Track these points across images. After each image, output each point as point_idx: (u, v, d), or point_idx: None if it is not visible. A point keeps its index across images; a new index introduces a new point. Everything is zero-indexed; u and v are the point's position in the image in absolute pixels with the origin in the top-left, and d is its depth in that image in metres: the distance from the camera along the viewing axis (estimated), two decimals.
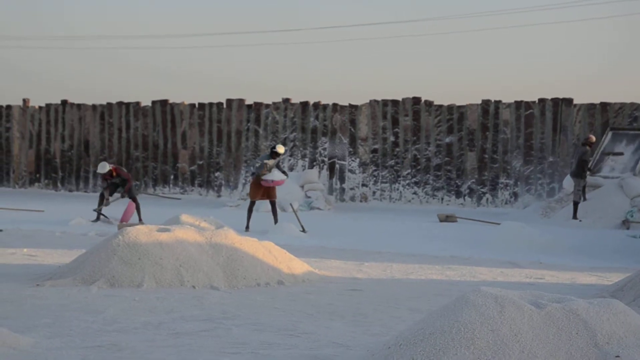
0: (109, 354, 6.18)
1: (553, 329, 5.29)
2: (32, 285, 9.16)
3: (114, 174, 17.12)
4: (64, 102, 27.52)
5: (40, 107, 27.87)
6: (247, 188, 22.53)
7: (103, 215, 17.10)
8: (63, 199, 24.17)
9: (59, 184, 27.44)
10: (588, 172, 18.82)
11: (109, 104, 26.95)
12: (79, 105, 27.31)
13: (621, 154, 20.24)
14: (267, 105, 25.17)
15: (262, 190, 16.35)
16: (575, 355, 5.16)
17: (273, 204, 16.48)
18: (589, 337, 5.25)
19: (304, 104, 24.73)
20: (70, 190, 27.11)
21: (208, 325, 7.29)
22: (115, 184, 17.20)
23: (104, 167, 17.06)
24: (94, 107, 27.11)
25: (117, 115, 26.78)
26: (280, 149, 16.34)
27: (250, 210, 16.29)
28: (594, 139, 18.96)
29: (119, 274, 9.20)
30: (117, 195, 17.41)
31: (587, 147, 18.63)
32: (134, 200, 17.08)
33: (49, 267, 10.50)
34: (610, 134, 21.12)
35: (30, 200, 22.13)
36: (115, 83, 42.87)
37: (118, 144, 26.69)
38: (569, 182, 19.16)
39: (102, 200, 17.15)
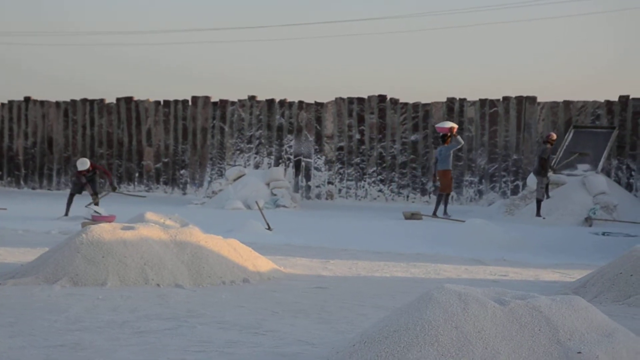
0: (72, 353, 6.13)
1: (516, 325, 5.33)
2: None
3: (91, 168, 17.08)
4: (27, 99, 27.25)
5: (2, 104, 27.58)
6: (213, 186, 22.60)
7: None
8: (26, 196, 23.94)
9: (21, 182, 27.18)
10: (550, 171, 18.89)
11: (73, 101, 26.73)
12: (42, 102, 27.06)
13: (587, 154, 20.34)
14: (233, 103, 25.11)
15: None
16: (538, 352, 5.20)
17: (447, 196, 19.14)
18: (551, 334, 5.30)
19: (270, 102, 24.70)
20: (34, 188, 26.87)
21: (172, 323, 7.25)
22: (93, 179, 17.13)
23: (85, 164, 16.90)
24: (57, 104, 26.87)
25: (81, 112, 26.56)
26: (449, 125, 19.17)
27: (443, 199, 18.99)
28: (554, 136, 19.03)
29: (82, 272, 9.13)
30: (104, 192, 17.29)
31: (548, 145, 18.66)
32: (95, 194, 17.02)
33: (11, 265, 10.39)
34: (572, 132, 21.31)
35: None
36: (79, 80, 42.55)
37: (82, 142, 26.49)
38: (532, 180, 19.28)
39: (71, 202, 17.03)
